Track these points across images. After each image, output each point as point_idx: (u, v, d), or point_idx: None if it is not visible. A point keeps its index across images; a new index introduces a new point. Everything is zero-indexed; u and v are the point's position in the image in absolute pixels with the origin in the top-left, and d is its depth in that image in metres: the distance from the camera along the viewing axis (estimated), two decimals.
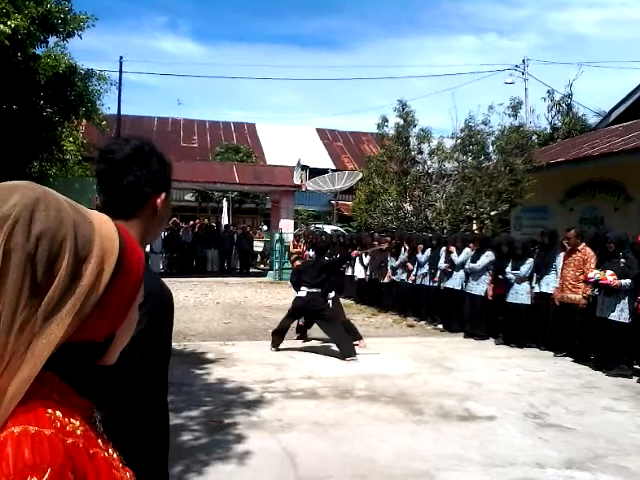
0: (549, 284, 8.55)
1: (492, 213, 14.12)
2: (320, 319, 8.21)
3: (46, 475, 0.65)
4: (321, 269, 8.33)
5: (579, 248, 8.06)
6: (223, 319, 10.88)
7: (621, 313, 7.18)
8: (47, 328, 0.71)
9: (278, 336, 8.26)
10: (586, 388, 6.68)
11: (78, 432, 0.73)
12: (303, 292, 8.16)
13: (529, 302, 8.84)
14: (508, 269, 9.00)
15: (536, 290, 8.77)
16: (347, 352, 7.80)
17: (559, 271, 8.39)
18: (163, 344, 1.67)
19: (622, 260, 7.25)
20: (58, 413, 0.73)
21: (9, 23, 9.24)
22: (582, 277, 7.79)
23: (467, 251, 9.94)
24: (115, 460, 0.80)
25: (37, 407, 0.71)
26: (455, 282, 10.06)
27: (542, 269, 8.70)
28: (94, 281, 0.74)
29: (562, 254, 8.47)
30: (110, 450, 0.80)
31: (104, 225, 0.80)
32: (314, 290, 8.13)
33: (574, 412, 5.75)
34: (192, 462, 4.26)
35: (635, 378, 7.01)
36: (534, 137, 18.12)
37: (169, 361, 1.73)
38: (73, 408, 0.76)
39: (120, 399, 1.42)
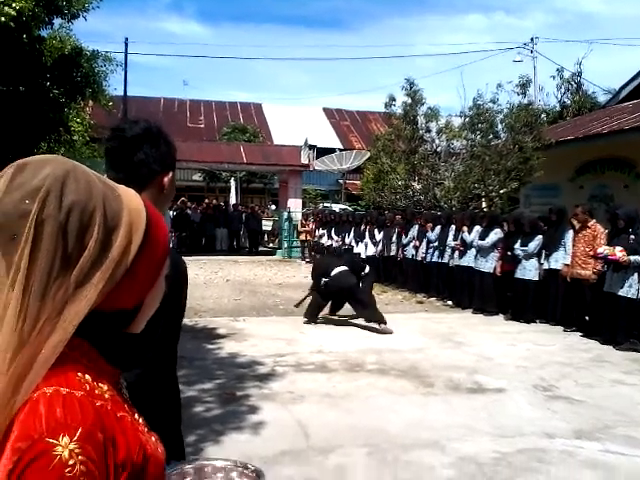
0: (557, 261, 8.55)
1: (501, 191, 14.07)
2: (351, 299, 8.26)
3: (77, 434, 0.69)
4: (351, 263, 8.46)
5: (589, 225, 8.06)
6: (233, 296, 10.96)
7: (629, 289, 7.18)
8: (78, 296, 0.74)
9: (314, 315, 8.33)
10: (596, 362, 6.71)
11: (106, 396, 0.77)
12: (333, 272, 8.23)
13: (537, 278, 8.86)
14: (517, 245, 9.01)
15: (545, 266, 8.77)
16: (376, 318, 7.93)
17: (568, 248, 8.39)
18: (179, 313, 1.74)
19: (632, 237, 7.25)
20: (87, 377, 0.76)
21: (14, 5, 9.21)
22: (592, 253, 7.78)
23: (478, 229, 9.94)
24: (140, 425, 0.83)
25: (68, 370, 0.74)
26: (469, 260, 10.02)
27: (550, 246, 8.70)
28: (122, 252, 0.77)
29: (571, 231, 8.47)
30: (136, 415, 0.84)
31: (131, 198, 0.83)
32: (343, 268, 8.20)
33: (583, 385, 5.79)
34: (207, 432, 4.34)
35: None
36: (543, 115, 17.95)
37: (181, 329, 1.80)
38: (101, 373, 0.80)
39: (144, 365, 1.47)
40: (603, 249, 7.43)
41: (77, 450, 0.68)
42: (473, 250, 9.97)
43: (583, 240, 8.08)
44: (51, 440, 0.67)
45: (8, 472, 0.66)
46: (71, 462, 0.67)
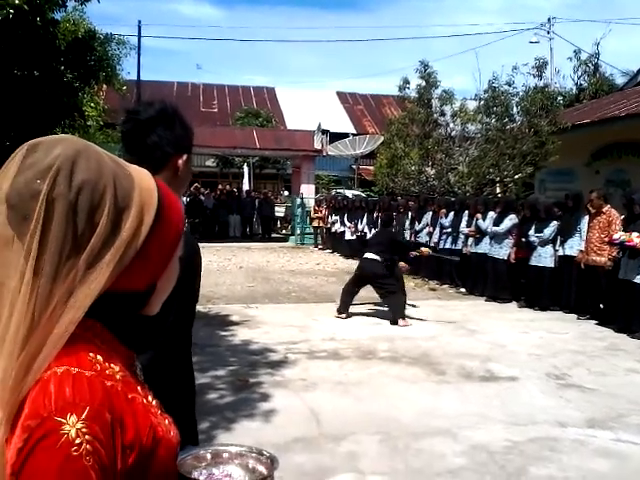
0: (573, 247, 8.46)
1: (516, 176, 13.93)
2: (378, 287, 8.16)
3: (85, 413, 0.69)
4: (390, 243, 8.23)
5: (604, 210, 7.95)
6: (246, 283, 11.01)
7: None
8: (89, 277, 0.74)
9: (345, 304, 8.22)
10: (610, 350, 6.66)
11: (117, 377, 0.77)
12: (367, 255, 8.16)
13: (552, 265, 8.77)
14: (531, 232, 8.92)
15: (560, 253, 8.68)
16: (399, 314, 7.76)
17: (583, 234, 8.30)
18: (193, 296, 1.74)
19: None
20: (99, 357, 0.76)
21: None
22: (607, 239, 7.69)
23: (492, 215, 9.85)
24: (153, 407, 0.83)
25: (79, 350, 0.75)
26: (484, 246, 9.91)
27: (566, 232, 8.60)
28: (134, 232, 0.77)
29: (587, 217, 8.37)
30: (149, 397, 0.83)
31: (143, 178, 0.82)
32: (373, 256, 8.07)
33: (597, 373, 5.76)
34: (219, 419, 4.38)
35: None
36: (559, 98, 17.71)
37: (195, 314, 1.80)
38: (114, 354, 0.80)
39: (157, 348, 1.48)
40: (619, 235, 7.34)
41: (84, 429, 0.68)
42: (487, 237, 9.89)
43: (598, 226, 7.98)
44: (59, 419, 0.68)
45: (18, 450, 0.67)
46: (77, 441, 0.68)
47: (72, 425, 0.68)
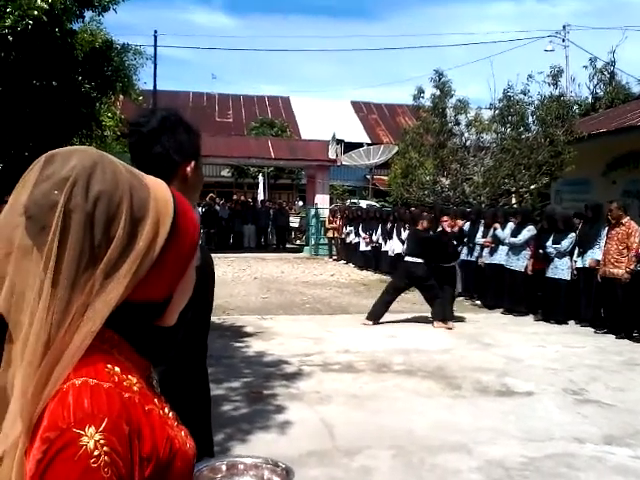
0: (592, 258, 8.35)
1: (531, 187, 13.84)
2: (420, 288, 8.46)
3: (103, 424, 0.70)
4: (420, 241, 8.49)
5: (623, 222, 7.86)
6: (261, 294, 11.03)
7: None
8: (106, 287, 0.75)
9: (378, 313, 8.39)
10: (628, 365, 6.58)
11: (135, 388, 0.78)
12: (407, 258, 8.49)
13: (569, 277, 8.68)
14: (549, 243, 8.85)
15: (579, 265, 8.58)
16: (436, 315, 8.20)
17: (602, 245, 8.22)
18: (207, 307, 1.74)
19: None
20: (117, 369, 0.77)
21: None
22: (625, 251, 7.60)
23: (511, 225, 9.78)
24: (170, 419, 0.83)
25: (97, 362, 0.75)
26: (501, 258, 9.84)
27: (586, 243, 8.51)
28: (150, 242, 0.78)
29: (606, 228, 8.30)
30: (166, 409, 0.84)
31: (159, 188, 0.83)
32: (415, 260, 8.30)
33: (614, 388, 5.69)
34: (234, 431, 4.39)
35: None
36: (575, 107, 17.58)
37: (210, 325, 1.80)
38: (131, 365, 0.81)
39: (173, 358, 1.48)
40: None
41: (102, 441, 0.69)
42: (504, 248, 9.79)
43: (616, 237, 7.87)
44: (78, 430, 0.68)
45: (37, 461, 0.68)
46: (96, 453, 0.68)
47: (90, 437, 0.68)
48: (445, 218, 9.08)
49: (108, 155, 0.81)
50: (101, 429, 0.69)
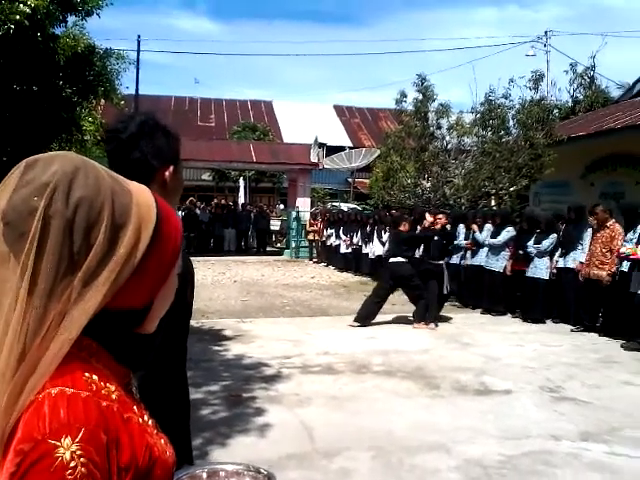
0: (575, 259, 8.48)
1: (511, 189, 13.96)
2: (404, 287, 8.52)
3: (80, 435, 0.68)
4: (404, 241, 8.61)
5: (608, 224, 7.95)
6: (240, 297, 10.98)
7: None
8: (85, 295, 0.73)
9: (366, 316, 8.42)
10: (604, 362, 6.66)
11: (113, 396, 0.76)
12: (391, 260, 8.59)
13: (548, 277, 8.80)
14: (530, 243, 8.95)
15: (560, 265, 8.70)
16: (417, 316, 8.28)
17: (585, 246, 8.33)
18: (186, 311, 1.72)
19: None
20: (94, 377, 0.75)
21: (29, 2, 9.22)
22: (609, 254, 7.69)
23: (488, 227, 9.87)
24: (149, 427, 0.82)
25: (74, 370, 0.73)
26: (481, 259, 9.93)
27: (568, 244, 8.63)
28: (131, 249, 0.76)
29: (590, 229, 8.41)
30: (145, 417, 0.82)
31: (142, 194, 0.82)
32: (398, 260, 8.39)
33: (590, 386, 5.75)
34: (213, 435, 4.35)
35: None
36: (555, 111, 17.80)
37: (189, 330, 1.78)
38: (110, 373, 0.79)
39: (152, 364, 1.46)
40: (625, 248, 7.35)
41: (79, 452, 0.67)
42: (484, 249, 9.88)
43: (601, 240, 7.96)
44: (53, 441, 0.66)
45: (10, 475, 0.66)
46: (72, 464, 0.66)
47: (67, 448, 0.67)
48: (428, 216, 9.18)
49: (90, 161, 0.79)
50: (78, 439, 0.67)
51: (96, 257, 0.74)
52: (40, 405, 0.69)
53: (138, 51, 25.07)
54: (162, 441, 0.83)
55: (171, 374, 1.70)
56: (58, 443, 0.66)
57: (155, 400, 1.17)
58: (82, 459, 0.67)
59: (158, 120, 1.61)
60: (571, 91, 24.37)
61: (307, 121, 32.04)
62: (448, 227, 10.39)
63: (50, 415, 0.68)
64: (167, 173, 1.56)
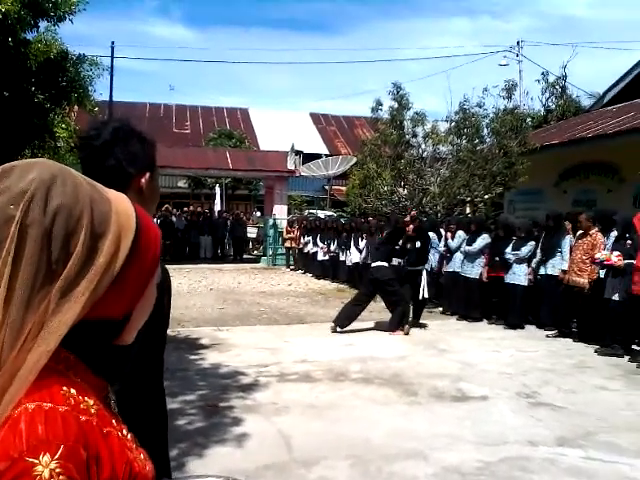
0: (555, 266, 8.59)
1: (486, 196, 14.12)
2: (383, 292, 8.59)
3: (59, 451, 0.65)
4: (380, 245, 8.81)
5: (591, 232, 8.04)
6: (217, 305, 10.89)
7: (625, 294, 7.17)
8: (63, 306, 0.70)
9: (345, 320, 8.49)
10: (578, 368, 6.74)
11: (92, 410, 0.73)
12: (373, 264, 8.74)
13: (526, 283, 8.93)
14: (508, 249, 9.04)
15: (542, 272, 8.82)
16: (391, 325, 8.33)
17: (565, 253, 8.46)
18: (163, 321, 1.69)
19: (628, 242, 7.31)
20: (72, 391, 0.73)
21: (0, 7, 9.09)
22: (589, 261, 7.81)
23: (460, 234, 9.96)
24: (129, 441, 0.79)
25: (52, 384, 0.71)
26: (456, 265, 10.02)
27: (548, 252, 8.76)
28: (110, 258, 0.74)
29: (568, 237, 8.54)
30: (124, 431, 0.80)
31: (121, 202, 0.80)
32: (379, 264, 8.51)
33: (566, 391, 5.81)
34: (190, 445, 4.29)
35: (627, 357, 7.07)
36: (528, 119, 18.07)
37: (166, 340, 1.75)
38: (88, 387, 0.76)
39: (129, 377, 1.43)
40: (600, 254, 7.46)
41: (58, 469, 0.64)
42: (460, 255, 9.97)
43: (582, 247, 8.07)
44: (31, 459, 0.64)
45: None
46: None
47: (45, 465, 0.64)
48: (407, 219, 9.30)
49: (69, 168, 0.77)
50: (57, 456, 0.65)
51: (75, 266, 0.71)
52: (16, 421, 0.66)
53: (112, 57, 24.93)
54: (142, 455, 0.81)
55: (148, 386, 1.67)
56: (36, 461, 0.64)
57: (133, 413, 1.14)
58: (61, 477, 0.64)
59: (133, 126, 1.58)
60: (543, 100, 24.85)
61: (283, 129, 32.09)
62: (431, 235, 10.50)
63: (27, 431, 0.65)
64: (143, 180, 1.53)
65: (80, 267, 0.72)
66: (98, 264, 0.73)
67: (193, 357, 6.91)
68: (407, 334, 8.29)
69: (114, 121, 1.57)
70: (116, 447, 0.74)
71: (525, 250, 8.90)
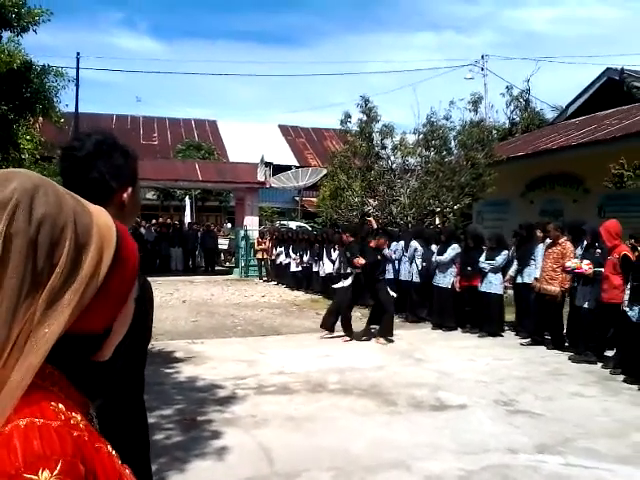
0: (530, 275, 8.73)
1: (455, 207, 14.32)
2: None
3: (58, 466, 0.63)
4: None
5: (560, 242, 8.19)
6: (190, 318, 10.75)
7: (595, 302, 7.32)
8: (49, 318, 0.69)
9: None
10: (553, 375, 6.83)
11: (81, 426, 0.72)
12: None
13: (501, 292, 9.10)
14: (482, 259, 9.17)
15: (519, 281, 8.99)
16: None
17: (538, 262, 8.62)
18: (145, 335, 1.66)
19: (598, 250, 7.47)
20: (61, 406, 0.71)
21: None
22: (559, 270, 7.95)
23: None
24: (114, 457, 0.78)
25: (41, 400, 0.69)
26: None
27: (523, 261, 8.93)
28: (94, 270, 0.73)
29: (541, 245, 8.70)
30: (109, 447, 0.78)
31: (101, 215, 0.79)
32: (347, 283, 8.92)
33: (543, 398, 5.88)
34: (169, 460, 4.21)
35: (599, 364, 7.19)
36: (494, 132, 18.43)
37: (147, 354, 1.72)
38: (73, 403, 0.75)
39: (111, 393, 1.39)
40: (571, 262, 7.60)
41: None
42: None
43: (552, 256, 8.20)
44: (29, 475, 0.61)
45: None
46: None
47: None
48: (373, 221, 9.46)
49: (49, 179, 0.76)
50: (56, 472, 0.62)
51: (60, 277, 0.70)
52: (9, 438, 0.64)
53: (77, 68, 24.58)
54: (127, 471, 0.79)
55: (130, 401, 1.64)
56: (35, 477, 0.62)
57: (115, 429, 1.12)
58: None
59: (116, 139, 1.57)
60: (508, 113, 25.38)
61: (252, 141, 32.04)
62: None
63: (22, 447, 0.63)
64: (125, 195, 1.52)
65: (65, 278, 0.71)
66: (83, 274, 0.72)
67: (168, 370, 6.80)
68: (384, 343, 8.35)
69: (97, 133, 1.55)
70: (107, 462, 0.73)
71: (500, 259, 9.05)
